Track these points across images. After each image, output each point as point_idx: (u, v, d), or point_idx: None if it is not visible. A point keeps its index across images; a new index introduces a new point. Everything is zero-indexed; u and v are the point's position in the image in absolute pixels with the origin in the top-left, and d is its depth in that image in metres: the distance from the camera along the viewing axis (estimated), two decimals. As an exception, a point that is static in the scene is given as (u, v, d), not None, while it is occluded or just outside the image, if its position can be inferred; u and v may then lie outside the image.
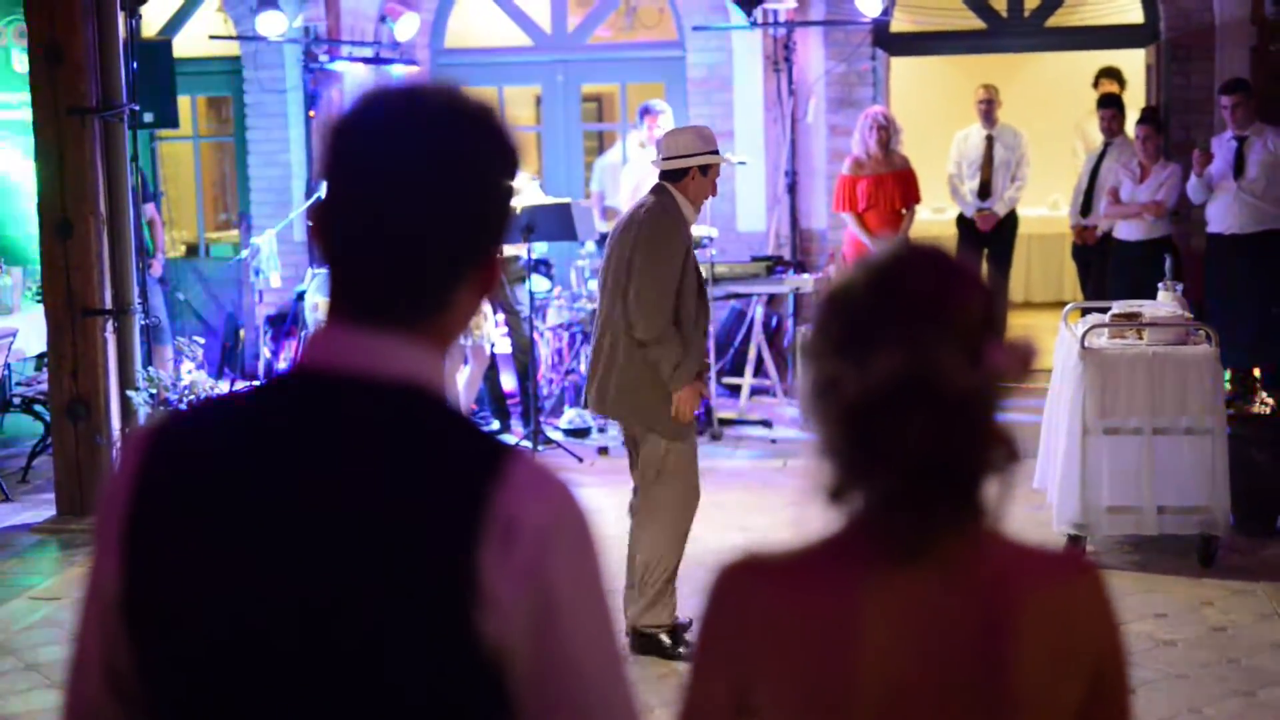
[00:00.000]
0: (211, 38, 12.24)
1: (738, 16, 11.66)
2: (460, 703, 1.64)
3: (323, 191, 1.75)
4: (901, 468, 1.77)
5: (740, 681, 1.86)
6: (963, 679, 1.79)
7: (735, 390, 11.21)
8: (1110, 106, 11.76)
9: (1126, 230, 10.96)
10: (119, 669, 1.74)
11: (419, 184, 1.68)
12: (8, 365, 9.54)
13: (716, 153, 6.22)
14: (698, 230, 10.37)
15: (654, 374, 6.11)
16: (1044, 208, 15.61)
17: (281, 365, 10.93)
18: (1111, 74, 14.18)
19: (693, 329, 6.13)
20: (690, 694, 1.91)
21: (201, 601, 1.66)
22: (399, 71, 11.85)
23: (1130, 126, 11.37)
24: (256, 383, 2.12)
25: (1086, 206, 11.59)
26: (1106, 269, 11.16)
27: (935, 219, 14.70)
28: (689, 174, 6.17)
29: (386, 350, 1.71)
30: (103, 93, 8.27)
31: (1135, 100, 12.86)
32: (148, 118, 9.86)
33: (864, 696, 1.80)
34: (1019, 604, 1.81)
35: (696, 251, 10.28)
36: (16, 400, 10.01)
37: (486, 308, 10.00)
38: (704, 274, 10.03)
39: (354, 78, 11.84)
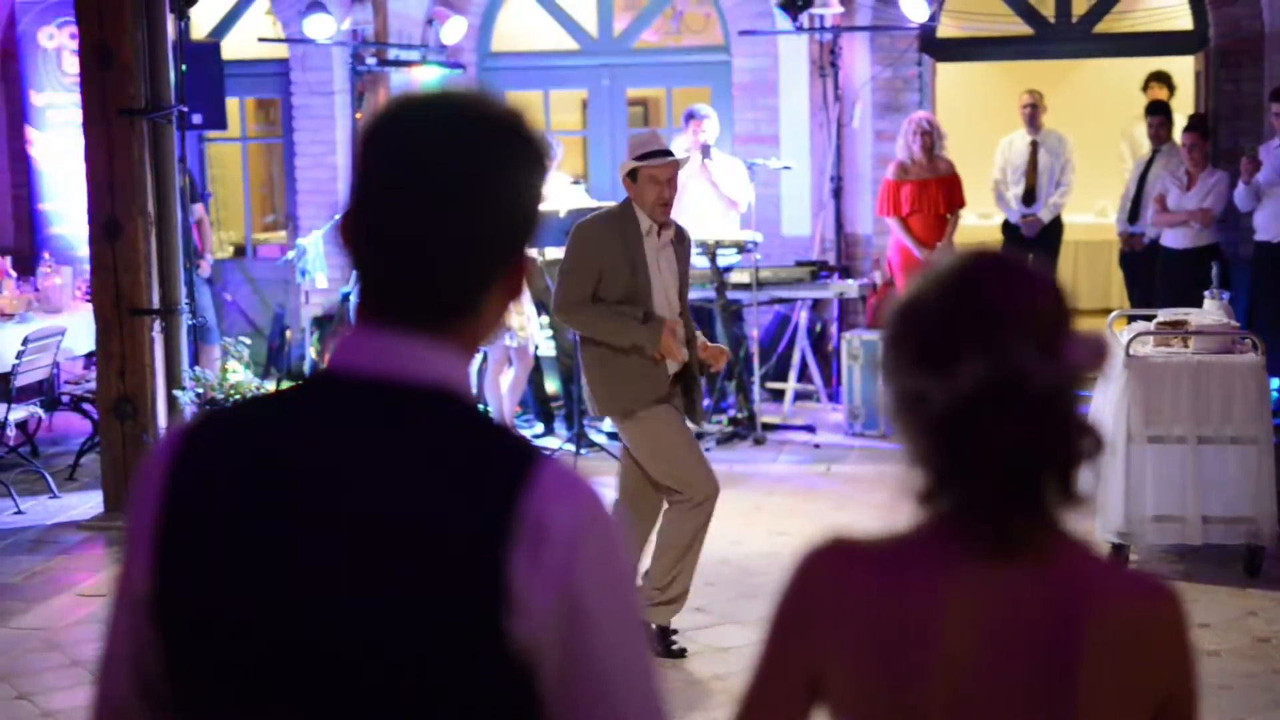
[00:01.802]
0: (260, 40, 12.32)
1: (784, 21, 11.65)
2: (490, 706, 1.65)
3: (349, 195, 1.75)
4: (997, 469, 1.80)
5: (815, 661, 1.88)
6: (1032, 678, 1.81)
7: (779, 395, 11.20)
8: (1158, 113, 11.71)
9: (1173, 238, 10.90)
10: (147, 671, 1.74)
11: (447, 188, 1.69)
12: (56, 364, 9.62)
13: (644, 158, 6.23)
14: (741, 235, 10.41)
15: (589, 364, 6.31)
16: (1091, 214, 15.54)
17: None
18: (1161, 79, 14.08)
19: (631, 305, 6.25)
20: (762, 669, 1.92)
21: (230, 604, 1.67)
22: (443, 75, 11.91)
23: (1178, 133, 11.32)
24: (286, 385, 2.13)
25: (1134, 214, 11.54)
26: (1154, 277, 11.11)
27: (982, 224, 14.66)
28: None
29: (415, 354, 1.71)
30: (151, 94, 8.33)
31: (1185, 106, 12.79)
32: (196, 119, 9.96)
33: (937, 688, 1.82)
34: (1095, 614, 1.82)
35: (740, 256, 10.34)
36: (65, 398, 10.10)
37: (531, 310, 10.03)
38: (749, 279, 10.12)
39: (400, 80, 11.90)
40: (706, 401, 10.58)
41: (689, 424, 6.36)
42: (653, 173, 6.21)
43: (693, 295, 8.37)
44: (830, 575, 1.89)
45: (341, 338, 1.77)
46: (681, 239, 6.44)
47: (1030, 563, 1.84)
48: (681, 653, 6.27)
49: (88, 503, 8.93)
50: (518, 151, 1.74)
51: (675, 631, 6.35)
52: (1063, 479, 1.83)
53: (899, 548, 1.88)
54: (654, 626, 6.22)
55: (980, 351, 1.79)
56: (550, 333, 10.45)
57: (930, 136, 10.74)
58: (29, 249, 11.85)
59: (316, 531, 1.65)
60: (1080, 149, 12.53)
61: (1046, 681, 1.81)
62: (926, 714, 1.83)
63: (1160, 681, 1.85)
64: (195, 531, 1.70)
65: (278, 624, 1.65)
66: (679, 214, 8.07)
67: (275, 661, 1.66)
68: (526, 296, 9.96)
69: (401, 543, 1.63)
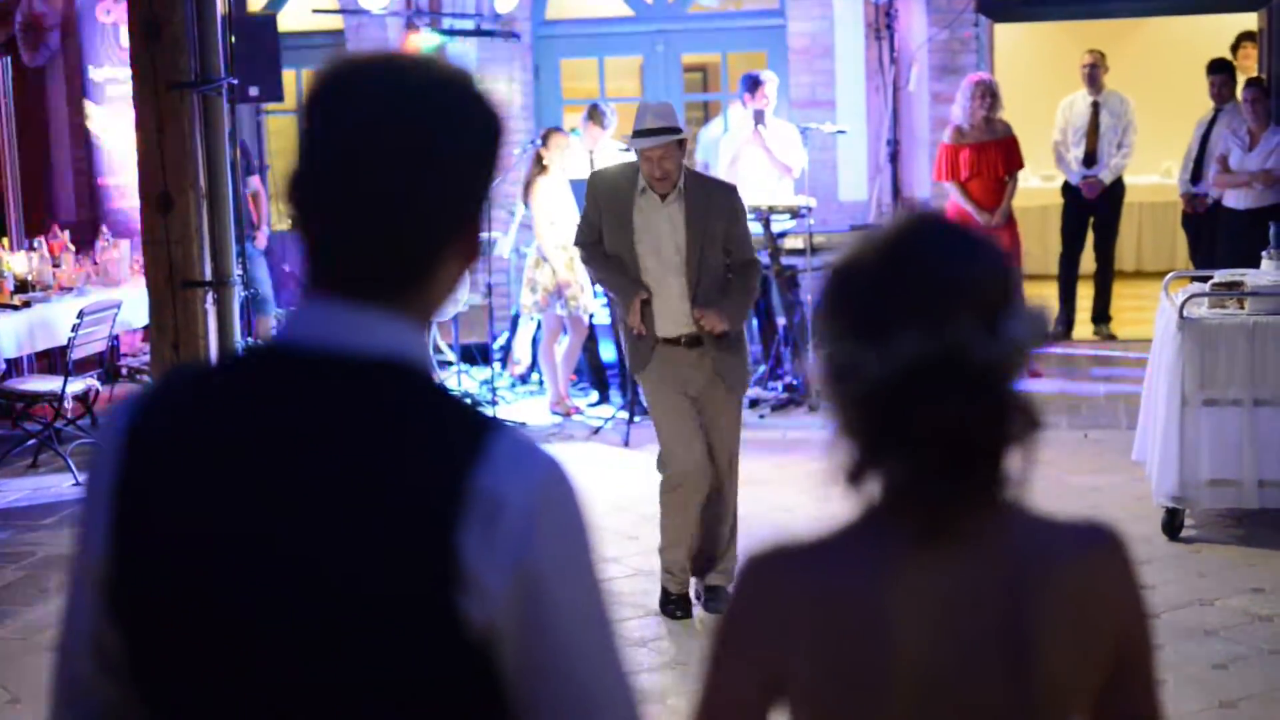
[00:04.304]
0: (315, 11, 12.33)
1: (839, -16, 11.56)
2: (448, 689, 1.61)
3: (296, 159, 1.71)
4: (931, 445, 1.74)
5: (769, 670, 1.83)
6: (990, 655, 1.77)
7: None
8: (1220, 72, 11.50)
9: (1235, 199, 10.75)
10: (107, 646, 1.71)
11: (393, 151, 1.64)
12: (115, 336, 9.70)
13: (635, 135, 6.32)
14: (795, 200, 10.34)
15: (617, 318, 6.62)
16: (1157, 175, 15.34)
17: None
18: (1253, 38, 13.79)
19: (634, 268, 6.38)
20: (711, 682, 1.88)
21: (184, 584, 1.63)
22: (501, 43, 11.90)
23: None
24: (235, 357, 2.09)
25: (1197, 174, 11.37)
26: (1216, 238, 10.95)
27: (1044, 186, 14.51)
28: None
29: (365, 325, 1.66)
30: (201, 67, 8.34)
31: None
32: (253, 92, 9.98)
33: (898, 677, 1.78)
34: (1042, 578, 1.78)
35: (794, 222, 10.28)
36: (124, 370, 10.19)
37: (585, 278, 10.00)
38: (803, 244, 10.06)
39: (455, 50, 11.89)
40: (762, 368, 10.56)
41: (725, 389, 6.42)
42: (644, 151, 6.27)
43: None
44: (775, 582, 1.84)
45: (292, 309, 1.72)
46: (709, 197, 6.37)
47: (971, 542, 1.79)
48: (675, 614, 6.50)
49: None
50: (467, 112, 1.69)
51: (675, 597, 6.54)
52: (995, 460, 1.77)
53: (839, 543, 1.84)
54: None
55: (919, 323, 1.72)
56: (604, 300, 10.42)
57: (993, 99, 10.61)
58: (91, 223, 11.95)
59: (266, 511, 1.62)
60: (1144, 109, 12.35)
61: (1008, 655, 1.77)
62: (892, 704, 1.79)
63: (1114, 622, 1.82)
64: (149, 510, 1.66)
65: (230, 603, 1.62)
66: (734, 180, 8.08)
67: (230, 641, 1.63)
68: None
69: (352, 522, 1.59)
